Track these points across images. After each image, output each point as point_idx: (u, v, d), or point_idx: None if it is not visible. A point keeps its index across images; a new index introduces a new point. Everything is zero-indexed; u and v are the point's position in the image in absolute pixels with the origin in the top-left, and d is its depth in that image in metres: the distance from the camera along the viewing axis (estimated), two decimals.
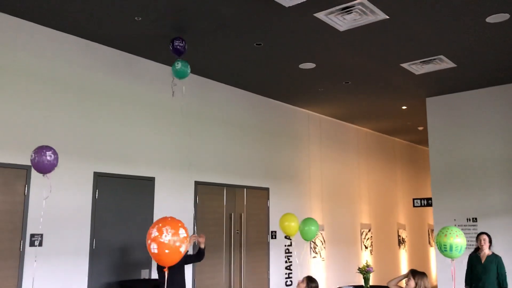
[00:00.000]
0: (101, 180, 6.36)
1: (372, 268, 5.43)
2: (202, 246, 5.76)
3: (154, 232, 3.10)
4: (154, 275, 6.78)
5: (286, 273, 9.09)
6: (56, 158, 4.64)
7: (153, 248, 3.08)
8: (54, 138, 5.94)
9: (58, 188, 5.88)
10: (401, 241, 13.12)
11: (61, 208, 5.88)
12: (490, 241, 6.41)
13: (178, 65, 6.01)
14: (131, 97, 6.94)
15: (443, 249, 4.82)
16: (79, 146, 6.20)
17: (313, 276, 5.28)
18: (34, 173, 5.66)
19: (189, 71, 6.12)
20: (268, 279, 8.76)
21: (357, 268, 5.44)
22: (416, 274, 4.65)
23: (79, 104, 6.29)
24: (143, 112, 7.08)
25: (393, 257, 12.70)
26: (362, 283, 10.57)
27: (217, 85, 8.29)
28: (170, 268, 5.60)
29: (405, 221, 13.45)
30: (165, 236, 3.13)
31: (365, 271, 5.36)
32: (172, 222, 3.20)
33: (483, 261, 6.39)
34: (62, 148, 6.00)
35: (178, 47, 6.10)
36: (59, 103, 6.07)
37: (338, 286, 5.89)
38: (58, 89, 6.07)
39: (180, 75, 6.08)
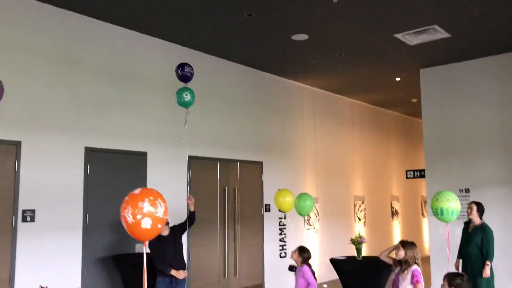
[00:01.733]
0: (92, 155, 6.31)
1: (364, 239, 5.47)
2: (192, 208, 5.80)
3: (147, 207, 3.04)
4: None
5: (280, 245, 9.17)
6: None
7: (146, 223, 3.03)
8: (44, 113, 5.86)
9: (49, 164, 5.84)
10: (394, 213, 13.24)
11: (52, 184, 5.84)
12: (480, 211, 6.30)
13: (187, 96, 5.76)
14: (124, 70, 6.83)
15: (435, 213, 4.89)
16: (69, 121, 6.12)
17: (306, 247, 5.34)
18: (24, 148, 5.62)
19: (194, 100, 5.89)
20: (263, 251, 8.83)
21: (350, 239, 5.48)
22: (405, 244, 4.70)
23: (70, 78, 6.18)
24: (136, 86, 6.98)
25: (386, 229, 12.83)
26: (355, 254, 10.72)
27: (208, 58, 8.17)
28: (168, 239, 5.63)
29: (398, 193, 13.54)
30: (160, 210, 3.10)
31: (357, 242, 5.39)
32: (157, 194, 3.16)
33: (469, 232, 6.37)
34: (52, 123, 5.94)
35: (188, 74, 5.90)
36: (49, 77, 5.97)
37: (330, 257, 5.93)
38: (47, 63, 5.96)
39: (187, 105, 5.85)
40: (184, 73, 5.86)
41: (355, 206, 11.58)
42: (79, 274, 6.03)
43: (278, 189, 6.43)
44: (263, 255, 8.83)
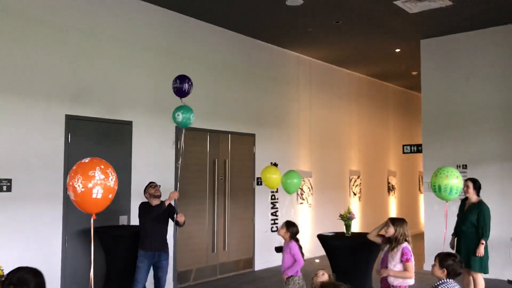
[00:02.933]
0: (73, 123, 6.04)
1: (353, 215, 5.24)
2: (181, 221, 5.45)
3: (99, 175, 2.82)
4: (134, 221, 6.62)
5: (272, 219, 8.99)
6: None
7: (97, 192, 2.82)
8: (21, 77, 5.57)
9: (27, 131, 5.58)
10: (390, 188, 13.04)
11: (30, 152, 5.59)
12: (477, 188, 6.05)
13: (179, 117, 5.34)
14: (107, 33, 6.49)
15: (433, 189, 4.61)
16: (48, 86, 5.83)
17: (293, 221, 5.10)
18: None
19: (193, 117, 5.46)
20: (254, 225, 8.66)
21: (339, 215, 5.26)
22: (395, 221, 4.47)
23: (49, 41, 5.86)
24: (120, 50, 6.66)
25: (382, 204, 12.66)
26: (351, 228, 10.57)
27: (199, 24, 7.81)
28: (154, 219, 5.40)
29: (395, 168, 13.32)
30: (111, 179, 2.88)
31: (346, 218, 5.18)
32: (108, 164, 2.95)
33: (465, 209, 6.15)
34: (30, 88, 5.65)
35: (186, 91, 5.54)
36: (27, 39, 5.64)
37: (318, 233, 5.73)
38: (23, 25, 5.63)
39: (184, 125, 5.44)
40: (181, 89, 5.55)
41: (350, 180, 11.37)
42: (59, 246, 5.85)
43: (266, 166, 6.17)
44: (254, 229, 8.66)
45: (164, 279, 5.48)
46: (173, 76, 7.32)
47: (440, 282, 3.45)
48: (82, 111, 6.15)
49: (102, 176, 2.91)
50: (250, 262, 8.58)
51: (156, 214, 5.31)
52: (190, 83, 5.59)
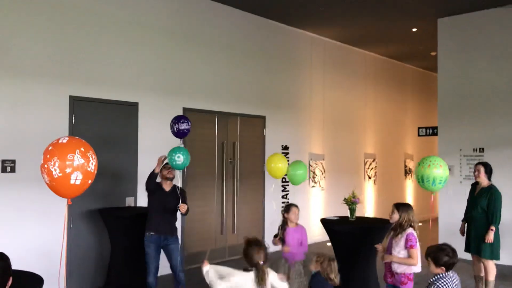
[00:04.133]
0: (78, 104, 6.01)
1: (358, 199, 5.10)
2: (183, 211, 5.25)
3: (78, 160, 2.70)
4: (140, 203, 6.62)
5: (282, 202, 8.90)
6: None
7: (76, 178, 2.70)
8: (25, 58, 5.55)
9: (30, 112, 5.58)
10: (407, 172, 12.79)
11: (34, 133, 5.59)
12: (488, 171, 5.82)
13: (180, 159, 5.05)
14: (112, 13, 6.41)
15: (417, 180, 4.44)
16: (53, 67, 5.81)
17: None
18: (2, 95, 5.36)
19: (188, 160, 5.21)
20: (263, 207, 8.59)
21: (343, 198, 5.13)
22: (399, 206, 4.32)
23: (54, 22, 5.82)
24: (126, 30, 6.58)
25: (399, 188, 12.44)
26: (365, 214, 10.41)
27: (208, 3, 7.66)
28: (168, 194, 5.29)
29: (413, 151, 13.03)
30: (92, 163, 2.77)
31: (350, 202, 5.05)
32: (88, 146, 2.83)
33: (475, 194, 5.94)
34: (34, 69, 5.64)
35: (185, 131, 5.33)
36: (31, 20, 5.60)
37: (322, 217, 5.62)
38: (28, 6, 5.58)
39: (181, 167, 5.19)
40: (179, 130, 5.32)
41: (365, 164, 11.17)
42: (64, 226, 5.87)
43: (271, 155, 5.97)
44: (264, 212, 8.59)
45: (176, 263, 5.33)
46: (181, 57, 7.27)
47: (438, 277, 3.28)
48: (87, 92, 6.11)
49: (82, 161, 2.71)
50: None
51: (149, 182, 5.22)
52: (188, 122, 5.39)
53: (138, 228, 5.85)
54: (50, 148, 2.78)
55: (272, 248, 5.09)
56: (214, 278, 3.40)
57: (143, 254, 5.91)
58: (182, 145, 5.23)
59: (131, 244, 5.79)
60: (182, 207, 5.12)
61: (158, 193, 5.29)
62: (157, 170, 5.23)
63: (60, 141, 2.80)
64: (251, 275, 3.34)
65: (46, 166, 2.75)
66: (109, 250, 5.94)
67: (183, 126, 5.32)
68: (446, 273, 3.28)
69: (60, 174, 2.69)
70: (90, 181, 2.82)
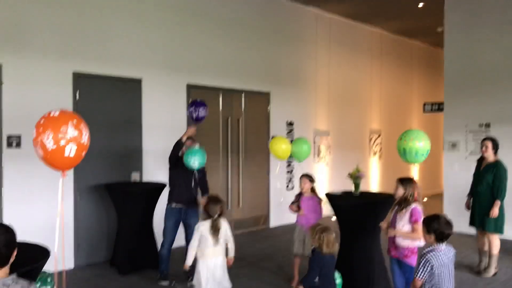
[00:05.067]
0: (81, 80, 6.00)
1: (363, 173, 5.10)
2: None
3: (72, 132, 2.70)
4: (146, 177, 6.66)
5: (287, 177, 8.93)
6: None
7: (70, 150, 2.70)
8: (29, 34, 5.52)
9: (35, 88, 5.59)
10: None
11: (39, 109, 5.55)
12: (495, 147, 5.81)
13: (195, 163, 4.94)
14: None
15: (399, 153, 4.49)
16: (56, 43, 5.78)
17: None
18: (6, 71, 5.36)
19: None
20: (268, 183, 8.62)
21: (348, 173, 5.14)
22: (403, 181, 4.31)
23: None
24: (130, 5, 6.52)
25: (403, 163, 12.35)
26: (369, 189, 10.42)
27: None
28: (185, 174, 5.27)
29: (419, 127, 12.95)
30: (85, 136, 2.77)
31: (355, 177, 5.05)
32: (80, 119, 2.82)
33: (481, 169, 5.92)
34: (38, 45, 5.62)
35: (201, 116, 5.31)
36: None
37: (327, 192, 5.64)
38: None
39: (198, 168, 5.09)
40: (198, 116, 5.34)
41: (370, 139, 11.15)
42: (71, 202, 5.94)
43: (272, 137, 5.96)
44: (269, 187, 8.63)
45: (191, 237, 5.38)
46: (185, 33, 7.21)
47: (429, 249, 3.27)
48: (90, 68, 6.09)
49: (76, 133, 2.70)
50: (265, 219, 8.61)
51: (175, 153, 5.22)
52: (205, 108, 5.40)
53: (144, 203, 5.92)
54: (43, 121, 2.75)
55: (281, 216, 5.24)
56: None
57: (151, 227, 6.01)
58: (198, 146, 5.12)
59: (138, 218, 5.85)
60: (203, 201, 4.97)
61: (180, 165, 5.22)
62: (184, 139, 5.17)
63: (52, 114, 2.78)
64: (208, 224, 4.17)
65: (39, 139, 2.71)
66: (116, 224, 6.00)
67: (202, 113, 5.35)
68: (439, 246, 3.25)
69: (54, 147, 2.68)
70: (83, 153, 2.83)
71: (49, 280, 3.30)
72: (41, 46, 5.64)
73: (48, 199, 5.64)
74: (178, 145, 5.23)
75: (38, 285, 3.20)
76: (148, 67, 6.72)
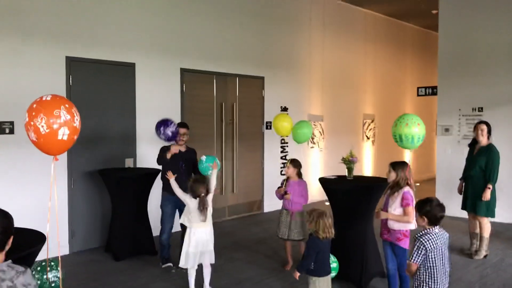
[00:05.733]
0: (74, 65, 5.96)
1: (356, 158, 5.13)
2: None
3: (64, 115, 2.71)
4: (140, 163, 6.66)
5: (281, 163, 8.96)
6: None
7: (63, 133, 2.71)
8: (21, 18, 5.45)
9: (27, 73, 5.54)
10: None
11: (32, 95, 5.49)
12: (489, 131, 5.85)
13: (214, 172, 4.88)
14: None
15: (395, 140, 4.47)
16: (49, 27, 5.72)
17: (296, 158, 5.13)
18: None
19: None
20: (263, 168, 8.65)
21: (341, 158, 5.17)
22: (395, 165, 4.34)
23: None
24: None
25: (397, 148, 12.36)
26: (363, 174, 10.48)
27: None
28: (183, 155, 5.29)
29: (413, 111, 13.00)
30: (77, 119, 2.78)
31: (348, 161, 5.08)
32: (71, 103, 2.83)
33: (474, 153, 5.97)
34: (31, 29, 5.55)
35: (170, 135, 5.08)
36: None
37: (320, 176, 5.68)
38: None
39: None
40: (169, 134, 5.09)
41: (364, 124, 11.18)
42: (65, 188, 5.95)
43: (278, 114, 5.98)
44: (263, 173, 8.66)
45: None
46: (178, 17, 7.15)
47: (422, 233, 3.31)
48: (83, 52, 6.04)
49: (68, 117, 2.73)
50: (259, 204, 8.66)
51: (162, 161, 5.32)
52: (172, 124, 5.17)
53: (138, 188, 5.93)
54: (35, 105, 2.76)
55: (275, 202, 5.34)
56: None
57: (145, 213, 6.03)
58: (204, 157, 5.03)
59: (132, 204, 5.86)
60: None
61: (173, 156, 5.27)
62: (169, 156, 5.24)
63: (44, 99, 2.80)
64: (196, 202, 4.49)
65: (32, 123, 2.72)
66: (111, 210, 6.02)
67: (168, 132, 5.08)
68: (432, 229, 3.29)
69: (47, 130, 2.70)
70: (75, 137, 2.86)
71: (54, 265, 3.30)
72: (34, 30, 5.57)
73: (42, 185, 5.64)
74: (160, 159, 5.33)
75: (39, 271, 3.21)
76: (141, 51, 6.68)
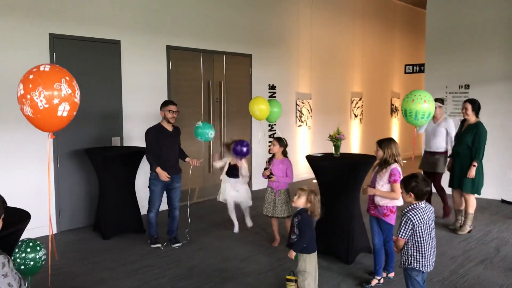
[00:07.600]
0: (58, 42, 5.84)
1: (343, 135, 5.14)
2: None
3: (65, 89, 2.55)
4: (127, 142, 6.62)
5: (269, 141, 8.95)
6: None
7: (63, 109, 2.57)
8: None
9: (9, 50, 5.42)
10: (393, 110, 12.87)
11: (14, 73, 5.43)
12: (476, 109, 5.88)
13: (212, 135, 5.39)
14: None
15: (402, 113, 4.51)
16: (31, 3, 5.58)
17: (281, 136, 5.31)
18: None
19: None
20: (251, 146, 8.62)
21: (328, 135, 5.17)
22: (382, 143, 4.36)
23: None
24: None
25: (385, 126, 12.55)
26: (351, 151, 10.54)
27: None
28: (171, 135, 5.32)
29: (400, 89, 13.05)
30: (77, 93, 2.65)
31: (335, 139, 5.09)
32: (71, 76, 2.70)
33: (462, 130, 6.02)
34: (12, 5, 5.41)
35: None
36: None
37: (307, 154, 5.69)
38: None
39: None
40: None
41: (351, 102, 11.19)
42: (52, 167, 5.89)
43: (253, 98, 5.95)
44: (251, 151, 8.63)
45: (178, 200, 5.51)
46: None
47: (409, 208, 3.35)
48: (67, 29, 5.93)
49: (70, 91, 2.48)
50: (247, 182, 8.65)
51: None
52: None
53: (125, 167, 5.90)
54: (31, 76, 2.46)
55: (263, 180, 5.45)
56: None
57: (133, 191, 6.02)
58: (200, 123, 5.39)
59: (120, 182, 5.84)
60: (195, 161, 5.46)
61: (161, 137, 5.26)
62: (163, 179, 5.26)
63: (42, 69, 2.50)
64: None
65: (29, 96, 2.42)
66: (98, 189, 5.99)
67: (244, 148, 5.57)
68: (418, 204, 3.33)
69: (46, 106, 2.44)
70: (75, 113, 2.67)
71: (38, 247, 3.26)
72: (15, 7, 5.44)
73: (29, 166, 5.59)
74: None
75: (26, 250, 3.19)
76: (127, 28, 6.57)
